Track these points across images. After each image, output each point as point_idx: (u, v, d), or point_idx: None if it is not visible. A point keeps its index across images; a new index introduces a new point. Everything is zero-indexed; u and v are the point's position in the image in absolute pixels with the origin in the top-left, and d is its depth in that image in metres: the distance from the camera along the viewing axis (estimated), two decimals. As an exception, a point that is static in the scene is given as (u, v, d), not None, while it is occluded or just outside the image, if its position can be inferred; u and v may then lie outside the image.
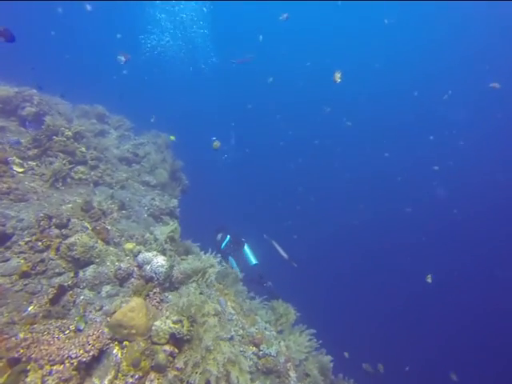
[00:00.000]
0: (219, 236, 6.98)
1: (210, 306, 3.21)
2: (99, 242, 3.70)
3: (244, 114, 25.77)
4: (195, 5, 16.91)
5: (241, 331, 4.50)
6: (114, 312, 2.81)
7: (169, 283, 3.73)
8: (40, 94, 6.22)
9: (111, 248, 3.82)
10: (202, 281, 4.42)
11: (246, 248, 6.43)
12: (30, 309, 2.88)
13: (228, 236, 6.65)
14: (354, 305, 15.97)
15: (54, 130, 5.17)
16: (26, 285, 3.16)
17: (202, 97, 24.67)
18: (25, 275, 3.23)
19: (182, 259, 5.11)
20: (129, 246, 3.86)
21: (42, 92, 6.15)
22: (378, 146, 26.33)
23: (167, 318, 2.82)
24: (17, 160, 4.67)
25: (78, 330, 2.54)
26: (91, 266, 3.51)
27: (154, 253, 3.76)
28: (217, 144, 4.72)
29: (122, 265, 3.52)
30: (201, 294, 4.24)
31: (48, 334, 2.44)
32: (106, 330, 2.57)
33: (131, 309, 2.64)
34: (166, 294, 3.56)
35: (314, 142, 25.46)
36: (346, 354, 7.96)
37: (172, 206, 6.02)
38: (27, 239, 3.68)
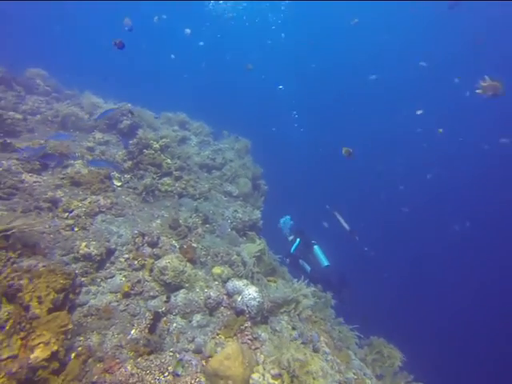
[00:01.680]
0: (290, 238, 7.07)
1: (316, 363, 2.83)
2: (187, 264, 3.78)
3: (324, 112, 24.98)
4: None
5: (337, 376, 4.00)
6: (210, 356, 2.74)
7: (260, 316, 3.55)
8: (133, 107, 6.99)
9: (199, 272, 3.89)
10: (294, 313, 4.13)
11: (317, 249, 6.55)
12: (132, 332, 3.10)
13: (298, 239, 6.86)
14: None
15: (144, 144, 5.66)
16: (127, 305, 3.46)
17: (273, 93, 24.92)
18: (126, 295, 3.51)
19: (268, 280, 4.95)
20: (217, 270, 3.84)
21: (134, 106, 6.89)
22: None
23: (265, 369, 2.58)
24: (117, 174, 5.28)
25: (175, 375, 2.56)
26: (181, 291, 3.61)
27: (245, 281, 3.64)
28: (348, 150, 4.21)
29: (211, 293, 3.51)
30: (294, 329, 3.98)
31: (150, 373, 2.54)
32: (202, 379, 2.50)
33: (227, 356, 2.50)
34: (259, 331, 3.36)
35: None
36: None
37: (255, 218, 5.94)
38: (126, 256, 4.08)
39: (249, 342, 3.23)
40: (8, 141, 4.90)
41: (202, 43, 17.96)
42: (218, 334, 3.21)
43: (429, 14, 21.27)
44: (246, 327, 3.38)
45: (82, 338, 2.98)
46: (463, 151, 23.85)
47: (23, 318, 2.10)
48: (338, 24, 23.35)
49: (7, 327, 1.94)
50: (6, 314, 1.97)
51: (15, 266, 2.89)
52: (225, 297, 3.64)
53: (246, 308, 3.41)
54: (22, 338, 1.99)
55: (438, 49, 23.28)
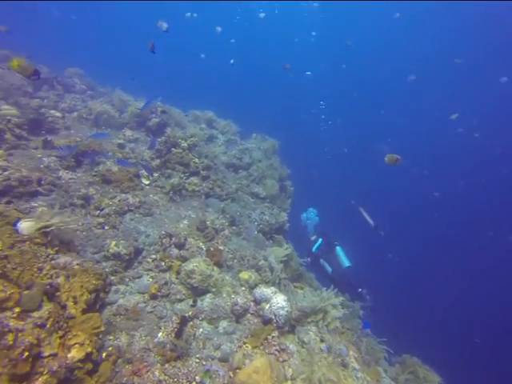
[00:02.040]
0: (313, 238, 7.15)
1: (349, 383, 2.73)
2: (215, 268, 3.81)
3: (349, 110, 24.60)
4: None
5: (368, 395, 3.88)
6: (237, 368, 2.74)
7: (288, 326, 3.50)
8: (163, 105, 7.17)
9: (226, 277, 3.90)
10: (322, 324, 4.03)
11: (339, 250, 6.66)
12: (159, 335, 3.18)
13: (320, 239, 6.96)
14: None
15: (173, 142, 5.77)
16: (154, 307, 3.55)
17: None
18: (153, 296, 3.61)
19: (295, 286, 4.89)
20: (244, 275, 3.84)
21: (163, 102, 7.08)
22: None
23: (295, 386, 2.52)
24: (145, 173, 5.43)
25: (203, 385, 2.57)
26: (208, 296, 3.65)
27: (273, 289, 3.60)
28: (393, 158, 4.08)
29: (238, 299, 3.51)
30: (322, 341, 3.89)
31: (177, 382, 2.57)
32: (231, 391, 2.50)
33: (255, 369, 2.48)
34: (287, 342, 3.31)
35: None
36: None
37: (282, 220, 5.88)
38: (153, 256, 4.19)
39: (276, 353, 3.19)
40: (49, 138, 5.22)
41: (233, 40, 18.13)
42: (244, 343, 3.20)
43: (466, 11, 20.00)
44: (273, 337, 3.34)
45: (111, 337, 3.10)
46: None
47: (61, 316, 2.21)
48: (372, 23, 22.73)
49: (48, 325, 2.05)
50: (47, 312, 2.08)
51: (53, 262, 3.06)
52: (252, 304, 3.62)
53: (273, 317, 3.38)
54: (60, 337, 2.10)
55: (479, 46, 21.89)
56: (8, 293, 1.95)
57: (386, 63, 25.89)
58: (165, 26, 4.33)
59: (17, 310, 1.95)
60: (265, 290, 3.57)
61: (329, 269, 6.44)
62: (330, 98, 21.23)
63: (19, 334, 1.82)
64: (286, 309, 3.38)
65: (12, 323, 1.85)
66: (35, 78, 2.70)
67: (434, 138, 24.55)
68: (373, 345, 5.10)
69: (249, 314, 3.58)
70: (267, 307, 3.41)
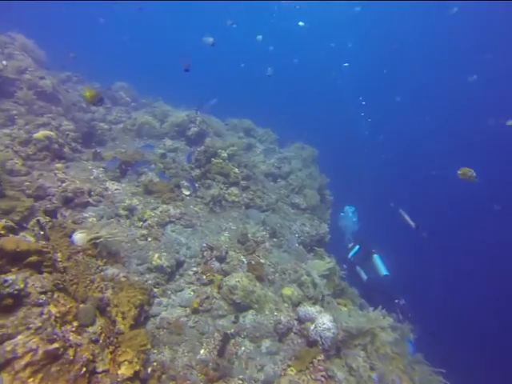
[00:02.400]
0: (350, 245, 7.12)
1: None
2: (257, 284, 3.78)
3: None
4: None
5: None
6: (284, 394, 2.65)
7: (334, 349, 3.34)
8: (201, 114, 7.42)
9: (269, 293, 3.85)
10: (371, 348, 3.79)
11: (377, 258, 6.54)
12: (202, 352, 3.22)
13: (357, 246, 6.90)
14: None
15: (212, 152, 5.91)
16: (196, 322, 3.61)
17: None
18: (195, 311, 3.66)
19: (338, 303, 4.69)
20: (287, 292, 3.77)
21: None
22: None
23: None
24: (185, 183, 5.62)
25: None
26: (250, 312, 3.62)
27: (318, 308, 3.48)
28: (466, 172, 3.93)
29: (281, 317, 3.44)
30: (372, 368, 3.65)
31: None
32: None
33: (304, 398, 2.37)
34: (334, 368, 3.15)
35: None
36: None
37: (322, 232, 5.72)
38: (194, 269, 4.27)
39: (323, 379, 3.05)
40: (98, 150, 5.64)
41: (272, 48, 18.30)
42: (288, 366, 3.11)
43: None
44: (318, 360, 3.21)
45: (155, 351, 3.18)
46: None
47: (111, 332, 2.32)
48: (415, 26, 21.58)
49: (101, 340, 2.16)
50: (100, 327, 2.20)
51: (102, 274, 3.25)
52: (295, 322, 3.53)
53: (319, 339, 3.24)
54: (110, 353, 2.20)
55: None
56: (68, 307, 2.09)
57: (434, 65, 24.40)
58: (211, 40, 4.48)
59: (75, 324, 2.07)
60: (309, 309, 3.45)
61: (364, 276, 6.39)
62: (370, 101, 20.60)
63: (78, 349, 1.94)
64: (332, 330, 3.23)
65: (72, 337, 1.97)
66: (100, 104, 3.06)
67: (489, 143, 22.58)
68: (427, 374, 4.69)
69: (292, 334, 3.49)
70: (312, 327, 3.29)
